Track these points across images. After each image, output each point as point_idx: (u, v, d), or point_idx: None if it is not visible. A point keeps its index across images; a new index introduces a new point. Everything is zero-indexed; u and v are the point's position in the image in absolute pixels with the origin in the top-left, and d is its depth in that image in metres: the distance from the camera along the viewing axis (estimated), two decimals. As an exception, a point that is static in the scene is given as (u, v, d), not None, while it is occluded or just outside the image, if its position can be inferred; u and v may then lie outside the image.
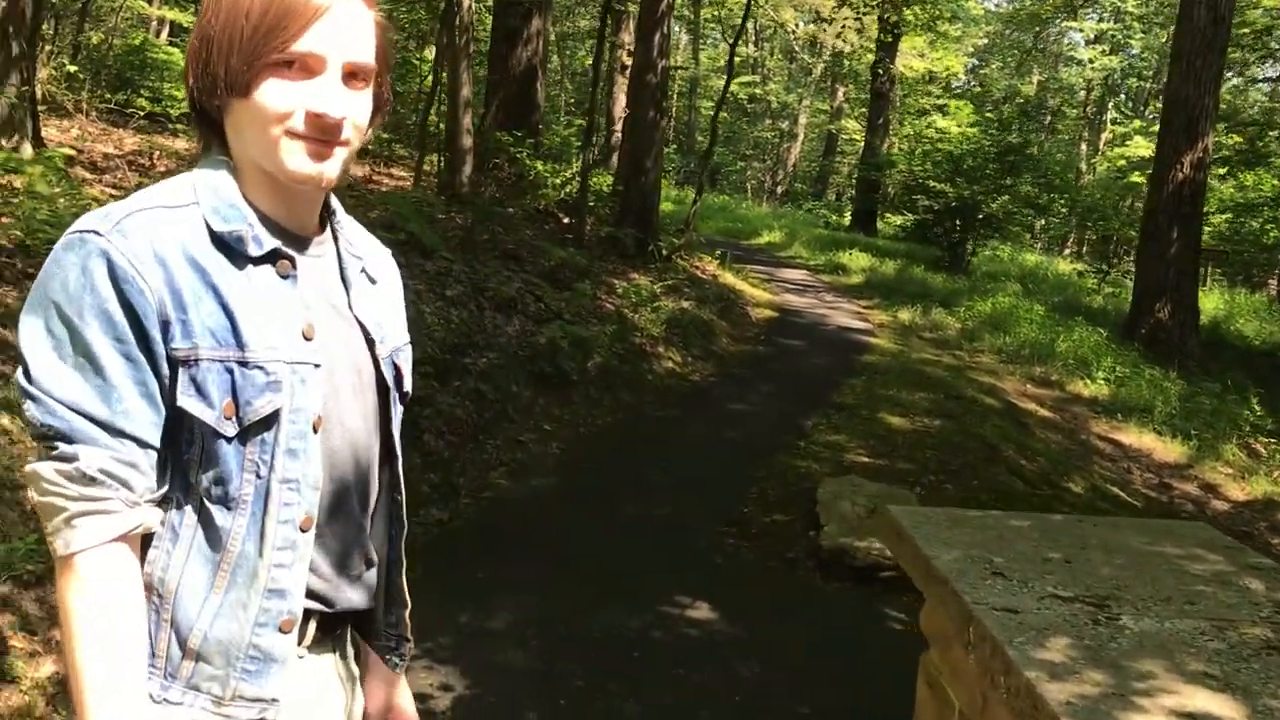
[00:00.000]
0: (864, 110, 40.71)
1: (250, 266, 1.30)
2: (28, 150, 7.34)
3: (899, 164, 22.60)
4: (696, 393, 8.99)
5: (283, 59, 1.26)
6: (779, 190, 44.51)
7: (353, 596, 1.43)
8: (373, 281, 1.49)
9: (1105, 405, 10.89)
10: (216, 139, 1.35)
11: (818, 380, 9.71)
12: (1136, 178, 27.74)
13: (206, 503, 1.28)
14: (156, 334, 1.23)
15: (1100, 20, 39.09)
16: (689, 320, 10.50)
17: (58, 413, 1.21)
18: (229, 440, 1.27)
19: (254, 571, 1.28)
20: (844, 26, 17.48)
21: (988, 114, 22.86)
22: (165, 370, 1.24)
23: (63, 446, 1.21)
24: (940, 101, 31.41)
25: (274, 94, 1.27)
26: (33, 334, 1.23)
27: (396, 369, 1.49)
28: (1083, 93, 41.09)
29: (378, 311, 1.47)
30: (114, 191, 7.83)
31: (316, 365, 1.33)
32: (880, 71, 26.02)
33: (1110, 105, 40.46)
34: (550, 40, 19.32)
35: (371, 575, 1.47)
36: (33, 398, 1.22)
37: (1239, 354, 14.54)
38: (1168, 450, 9.83)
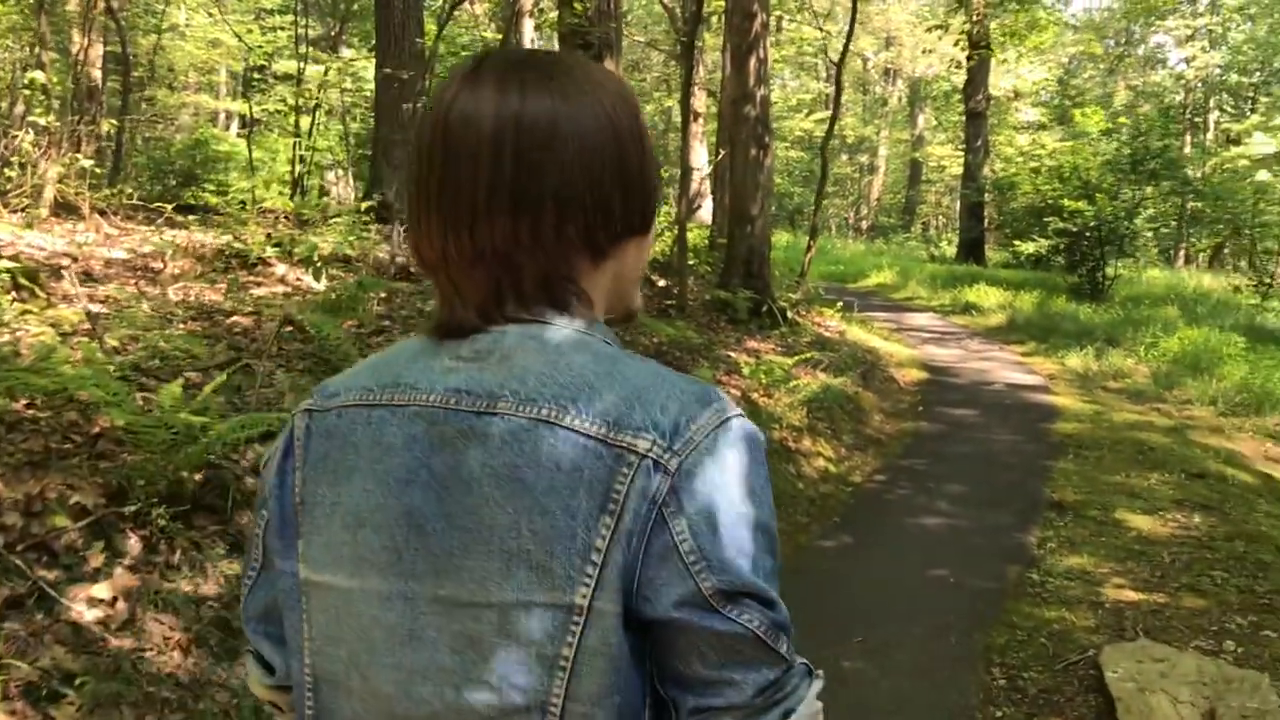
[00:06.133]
0: (948, 135, 38.58)
1: None
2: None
3: (1021, 185, 20.19)
4: (864, 501, 6.83)
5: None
6: (864, 225, 42.66)
7: None
8: None
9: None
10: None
11: (1014, 466, 7.51)
12: (1266, 176, 25.08)
13: None
14: None
15: (1197, 16, 36.70)
16: (832, 397, 8.37)
17: (786, 617, 0.99)
18: None
19: None
20: (949, 37, 15.29)
21: (1121, 119, 20.43)
22: None
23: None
24: (1049, 116, 28.89)
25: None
26: (750, 532, 0.97)
27: None
28: (1177, 96, 38.60)
29: None
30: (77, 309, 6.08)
31: None
32: (976, 90, 23.75)
33: (1212, 104, 38.09)
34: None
35: None
36: (771, 604, 0.97)
37: None
38: None
